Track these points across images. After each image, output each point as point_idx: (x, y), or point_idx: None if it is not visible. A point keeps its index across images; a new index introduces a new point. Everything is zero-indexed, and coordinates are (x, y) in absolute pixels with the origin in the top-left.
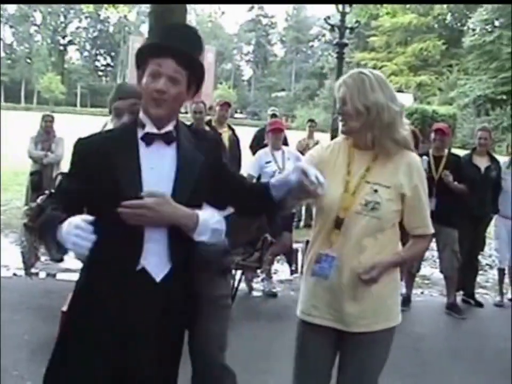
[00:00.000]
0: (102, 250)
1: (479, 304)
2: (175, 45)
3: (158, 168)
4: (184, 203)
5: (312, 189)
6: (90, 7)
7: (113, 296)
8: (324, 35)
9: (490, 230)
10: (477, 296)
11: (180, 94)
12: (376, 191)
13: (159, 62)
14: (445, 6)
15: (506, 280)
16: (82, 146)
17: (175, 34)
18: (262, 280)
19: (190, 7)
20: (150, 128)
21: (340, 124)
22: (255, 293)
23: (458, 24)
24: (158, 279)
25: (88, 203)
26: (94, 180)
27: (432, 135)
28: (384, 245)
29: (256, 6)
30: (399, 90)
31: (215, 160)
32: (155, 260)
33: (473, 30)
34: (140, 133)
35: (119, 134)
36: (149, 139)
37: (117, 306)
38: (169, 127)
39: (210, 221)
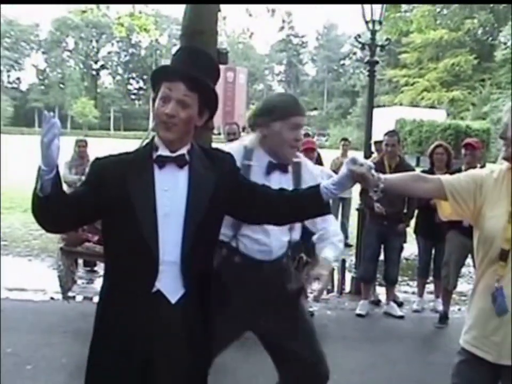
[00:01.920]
0: (118, 273)
1: None
2: (186, 69)
3: (171, 190)
4: (198, 222)
5: (361, 171)
6: (122, 32)
7: (130, 318)
8: (355, 53)
9: None
10: None
11: (190, 117)
12: None
13: (169, 85)
14: (475, 20)
15: None
16: (99, 165)
17: (186, 58)
18: None
19: (220, 28)
20: (163, 151)
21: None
22: None
23: (490, 38)
24: (173, 301)
25: (104, 225)
26: (108, 200)
27: (463, 151)
28: None
29: (286, 26)
30: (432, 106)
31: (231, 179)
32: (169, 282)
33: (505, 43)
34: (154, 156)
35: (134, 156)
36: (162, 162)
37: (134, 329)
38: (182, 151)
39: None
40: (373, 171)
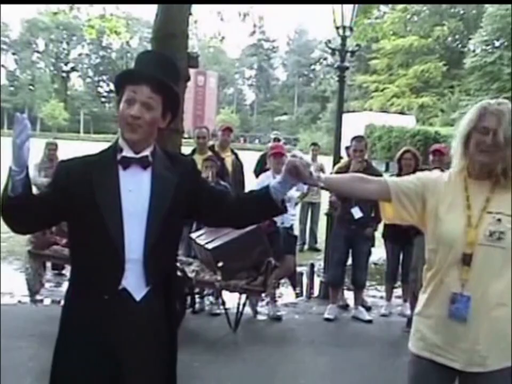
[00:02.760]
0: (84, 272)
1: None
2: (150, 72)
3: (135, 190)
4: (160, 221)
5: (293, 162)
6: (93, 34)
7: (97, 316)
8: (325, 58)
9: None
10: None
11: (154, 119)
12: (499, 220)
13: (134, 88)
14: (445, 27)
15: None
16: (64, 168)
17: (150, 61)
18: (267, 304)
19: (191, 32)
20: (127, 152)
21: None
22: (259, 317)
23: (459, 46)
24: (138, 298)
25: (70, 226)
26: (74, 202)
27: (431, 157)
28: (509, 277)
29: (257, 30)
30: (401, 112)
31: (191, 181)
32: (135, 280)
33: (474, 51)
34: (118, 157)
35: (99, 157)
36: (126, 163)
37: (101, 326)
38: (146, 152)
39: None
40: (311, 169)
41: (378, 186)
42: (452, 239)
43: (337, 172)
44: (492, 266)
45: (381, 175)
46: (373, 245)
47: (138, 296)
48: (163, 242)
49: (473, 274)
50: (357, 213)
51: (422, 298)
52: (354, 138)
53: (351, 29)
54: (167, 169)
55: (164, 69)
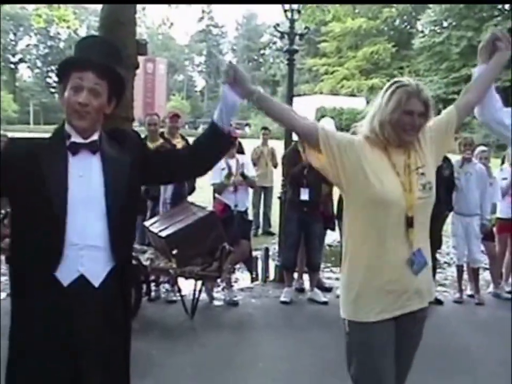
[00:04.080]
0: (26, 259)
1: (439, 302)
2: (94, 58)
3: (86, 175)
4: (120, 205)
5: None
6: (41, 23)
7: (55, 303)
8: (274, 42)
9: (447, 227)
10: (436, 293)
11: (102, 105)
12: (423, 174)
13: (80, 75)
14: (393, 9)
15: (465, 276)
16: (12, 144)
17: (92, 46)
18: (223, 289)
19: (139, 20)
20: (76, 138)
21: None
22: (216, 303)
23: (408, 27)
24: (96, 285)
25: (14, 206)
26: (19, 179)
27: None
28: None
29: (206, 16)
30: (352, 94)
31: (140, 152)
32: (93, 267)
33: (422, 31)
34: (67, 143)
35: (49, 142)
36: (75, 148)
37: (59, 313)
38: (94, 137)
39: None
40: (249, 84)
41: (308, 126)
42: (396, 202)
43: (289, 156)
44: (427, 214)
45: None
46: (333, 228)
47: (96, 282)
48: (124, 225)
49: (415, 232)
50: (304, 194)
51: (363, 271)
52: None
53: (299, 12)
54: (116, 151)
55: (106, 54)
